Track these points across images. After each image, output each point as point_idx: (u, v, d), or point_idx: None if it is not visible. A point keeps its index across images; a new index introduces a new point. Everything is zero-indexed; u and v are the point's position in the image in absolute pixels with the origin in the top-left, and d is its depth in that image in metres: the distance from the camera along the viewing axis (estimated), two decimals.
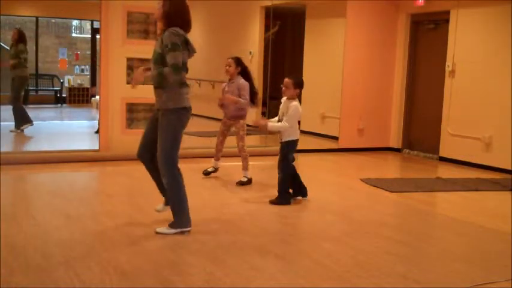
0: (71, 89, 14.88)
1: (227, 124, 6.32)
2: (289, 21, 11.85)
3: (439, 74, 8.38)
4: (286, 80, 5.36)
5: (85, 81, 15.30)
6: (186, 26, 4.32)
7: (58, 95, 14.71)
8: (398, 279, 3.57)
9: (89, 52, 15.73)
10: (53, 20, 15.91)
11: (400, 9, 9.02)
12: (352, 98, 8.98)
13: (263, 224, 4.78)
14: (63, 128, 11.12)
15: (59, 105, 14.56)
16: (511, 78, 7.36)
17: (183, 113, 4.33)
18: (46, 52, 15.81)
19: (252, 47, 10.94)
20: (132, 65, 7.24)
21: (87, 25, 16.00)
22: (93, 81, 15.03)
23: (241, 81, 6.14)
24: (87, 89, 15.01)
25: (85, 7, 13.98)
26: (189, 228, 4.35)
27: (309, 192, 5.54)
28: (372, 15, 8.95)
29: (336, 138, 9.21)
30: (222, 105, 6.25)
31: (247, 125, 6.29)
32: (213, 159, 6.48)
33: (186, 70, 4.38)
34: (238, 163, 6.29)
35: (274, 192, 5.47)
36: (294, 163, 5.51)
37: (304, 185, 5.52)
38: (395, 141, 9.24)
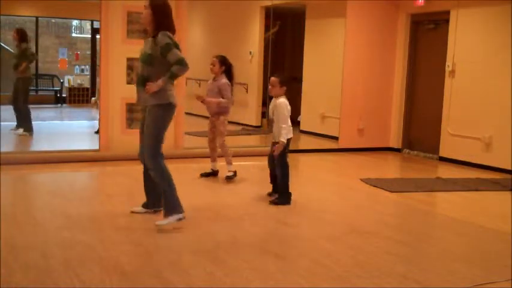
0: (71, 89, 14.87)
1: (212, 121, 6.41)
2: (289, 21, 11.85)
3: (439, 74, 8.37)
4: (272, 78, 5.47)
5: (85, 81, 15.29)
6: (172, 29, 4.51)
7: (58, 95, 14.70)
8: (398, 279, 3.57)
9: (89, 52, 15.73)
10: (53, 20, 15.91)
11: (400, 9, 9.02)
12: (352, 98, 8.98)
13: (263, 224, 4.78)
14: (63, 128, 11.13)
15: (59, 105, 14.56)
16: (511, 78, 7.36)
17: (168, 109, 4.48)
18: (46, 52, 15.81)
19: (252, 47, 10.94)
20: (132, 65, 7.23)
21: (87, 25, 16.00)
22: (93, 81, 15.03)
23: (223, 80, 6.23)
24: (87, 89, 15.00)
25: (85, 7, 13.97)
26: (183, 214, 4.46)
27: (309, 192, 5.53)
28: (371, 15, 8.95)
29: (336, 138, 9.20)
30: (202, 101, 6.32)
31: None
32: (210, 161, 6.50)
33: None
34: (238, 163, 6.29)
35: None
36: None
37: (285, 193, 5.50)
38: (395, 141, 9.24)
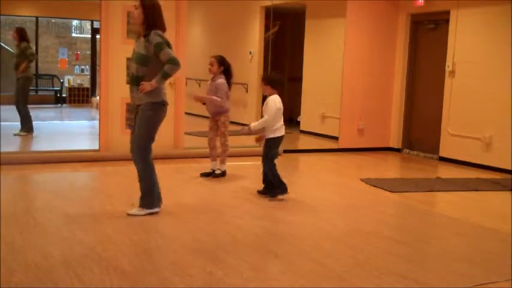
0: (71, 89, 14.87)
1: (213, 121, 6.45)
2: (289, 21, 11.85)
3: (439, 74, 8.38)
4: (262, 79, 5.65)
5: (85, 81, 15.29)
6: (163, 28, 4.59)
7: (58, 95, 14.70)
8: (398, 279, 3.57)
9: (89, 52, 15.73)
10: (53, 20, 15.91)
11: (400, 9, 9.02)
12: (352, 98, 8.98)
13: (263, 223, 4.78)
14: (63, 128, 11.12)
15: (59, 105, 14.56)
16: (511, 78, 7.36)
17: (160, 108, 4.59)
18: (46, 52, 15.81)
19: (252, 47, 10.94)
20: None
21: (87, 25, 16.00)
22: (93, 81, 15.03)
23: (219, 80, 6.26)
24: (87, 89, 15.00)
25: (85, 7, 13.98)
26: (157, 209, 4.66)
27: (309, 192, 5.54)
28: (371, 15, 8.95)
29: (336, 138, 9.20)
30: (196, 98, 6.43)
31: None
32: (210, 161, 6.50)
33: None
34: (238, 163, 6.30)
35: None
36: (276, 160, 5.59)
37: (279, 184, 5.54)
38: (395, 141, 9.24)
